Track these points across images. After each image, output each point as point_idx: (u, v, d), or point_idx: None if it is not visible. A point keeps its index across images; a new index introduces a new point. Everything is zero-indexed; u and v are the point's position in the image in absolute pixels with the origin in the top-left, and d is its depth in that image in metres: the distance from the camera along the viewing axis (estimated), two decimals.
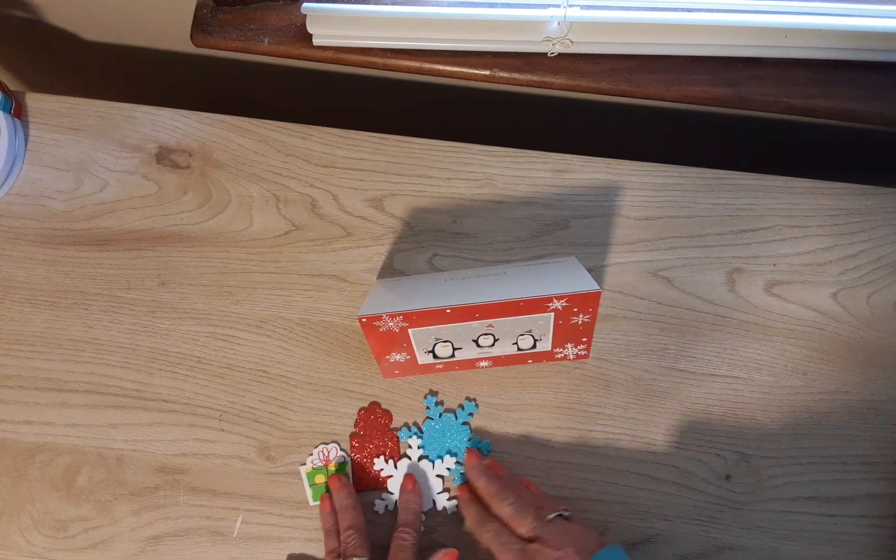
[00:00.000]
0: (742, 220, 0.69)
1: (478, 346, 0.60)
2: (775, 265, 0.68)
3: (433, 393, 0.65)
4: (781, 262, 0.68)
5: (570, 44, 0.68)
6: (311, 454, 0.64)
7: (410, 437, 0.64)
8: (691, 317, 0.67)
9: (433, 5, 0.68)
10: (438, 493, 0.63)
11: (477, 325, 0.57)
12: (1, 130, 0.68)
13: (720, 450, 0.64)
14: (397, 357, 0.61)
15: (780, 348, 0.66)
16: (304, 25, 0.70)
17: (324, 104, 0.92)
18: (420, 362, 0.62)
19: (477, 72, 0.71)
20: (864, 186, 0.70)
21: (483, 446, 0.64)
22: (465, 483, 0.62)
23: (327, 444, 0.64)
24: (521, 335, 0.60)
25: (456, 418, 0.64)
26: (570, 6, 0.66)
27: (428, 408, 0.64)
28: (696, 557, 0.62)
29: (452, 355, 0.62)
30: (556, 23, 0.67)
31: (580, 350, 0.63)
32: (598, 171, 0.70)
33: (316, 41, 0.71)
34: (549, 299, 0.54)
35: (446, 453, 0.63)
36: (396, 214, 0.69)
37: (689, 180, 0.70)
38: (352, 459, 0.63)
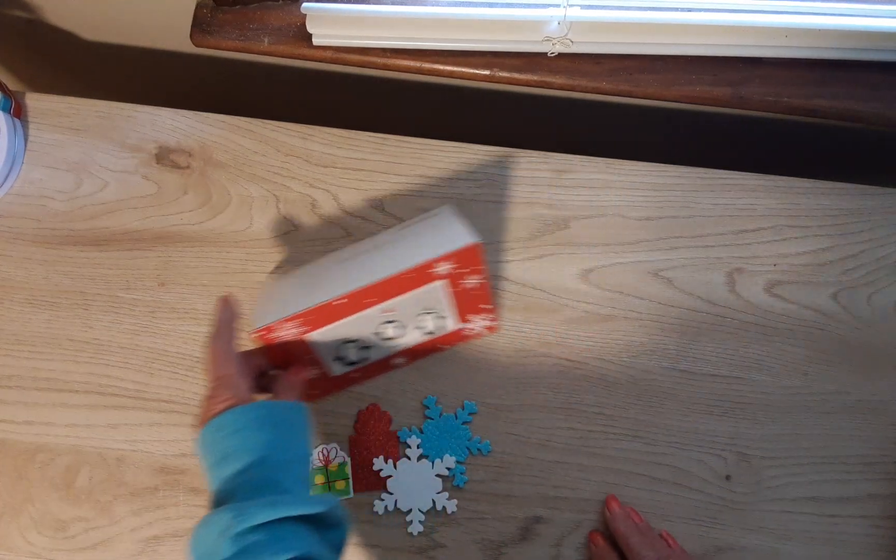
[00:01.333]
0: (742, 220, 0.69)
1: (384, 339, 0.59)
2: (775, 265, 0.68)
3: (433, 393, 0.65)
4: (782, 262, 0.68)
5: (570, 44, 0.68)
6: (312, 454, 0.64)
7: (410, 437, 0.64)
8: (691, 317, 0.67)
9: (433, 5, 0.68)
10: (438, 493, 0.63)
11: (374, 313, 0.55)
12: (1, 130, 0.68)
13: (720, 450, 0.64)
14: (308, 376, 0.60)
15: (780, 348, 0.66)
16: (304, 25, 0.70)
17: (324, 104, 0.92)
18: (334, 373, 0.61)
19: (477, 72, 0.71)
20: (864, 186, 0.70)
21: (483, 446, 0.64)
22: (599, 531, 0.61)
23: (327, 444, 0.64)
24: (420, 315, 0.58)
25: (456, 418, 0.64)
26: (570, 6, 0.66)
27: (428, 408, 0.64)
28: (695, 558, 0.61)
29: (365, 358, 0.60)
30: (556, 23, 0.67)
31: (488, 321, 0.62)
32: (598, 171, 0.70)
33: (316, 41, 0.71)
34: (430, 265, 0.52)
35: (446, 453, 0.63)
36: (396, 214, 0.69)
37: (689, 180, 0.70)
38: (351, 460, 0.63)
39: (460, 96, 0.86)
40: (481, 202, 0.69)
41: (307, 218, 0.69)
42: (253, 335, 0.53)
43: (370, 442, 0.64)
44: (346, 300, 0.53)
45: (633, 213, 0.69)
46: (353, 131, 0.71)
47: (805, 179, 0.70)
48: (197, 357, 0.66)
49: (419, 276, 0.52)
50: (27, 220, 0.69)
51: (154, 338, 0.67)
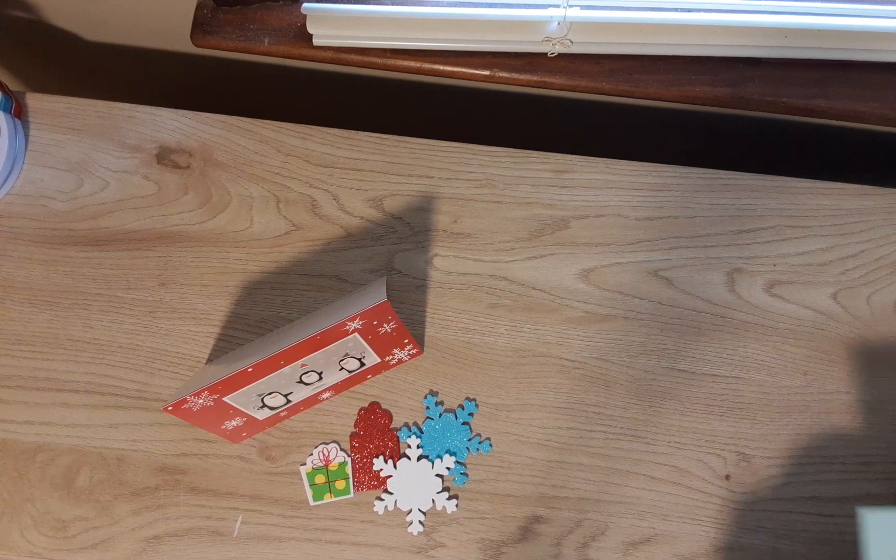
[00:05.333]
0: (742, 220, 0.69)
1: (306, 385, 0.60)
2: (775, 265, 0.68)
3: (433, 393, 0.65)
4: (781, 262, 0.68)
5: (569, 44, 0.68)
6: (311, 454, 0.64)
7: (410, 436, 0.64)
8: (691, 317, 0.67)
9: (433, 5, 0.68)
10: (438, 493, 0.63)
11: (290, 370, 0.56)
12: (1, 130, 0.68)
13: (720, 450, 0.64)
14: (234, 423, 0.61)
15: (780, 348, 0.66)
16: (304, 25, 0.70)
17: (324, 104, 0.92)
18: (260, 419, 0.62)
19: (477, 72, 0.71)
20: (864, 186, 0.70)
21: (483, 446, 0.64)
22: None
23: (327, 444, 0.64)
24: (343, 360, 0.59)
25: (456, 418, 0.64)
26: (570, 6, 0.66)
27: (428, 408, 0.64)
28: (696, 557, 0.62)
29: (287, 402, 0.61)
30: (556, 23, 0.67)
31: (410, 350, 0.63)
32: (598, 171, 0.70)
33: (316, 41, 0.71)
34: (343, 324, 0.54)
35: (446, 453, 0.63)
36: (396, 214, 0.69)
37: (689, 180, 0.70)
38: (352, 459, 0.64)
39: (460, 96, 0.86)
40: (481, 202, 0.70)
41: (307, 218, 0.69)
42: (165, 410, 0.54)
43: (370, 441, 0.64)
44: (254, 369, 0.54)
45: (633, 213, 0.69)
46: (353, 131, 0.71)
47: (805, 179, 0.70)
48: (197, 357, 0.66)
49: (332, 334, 0.54)
50: (28, 220, 0.70)
51: (154, 338, 0.67)
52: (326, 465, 0.63)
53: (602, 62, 0.70)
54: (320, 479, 0.63)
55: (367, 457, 0.63)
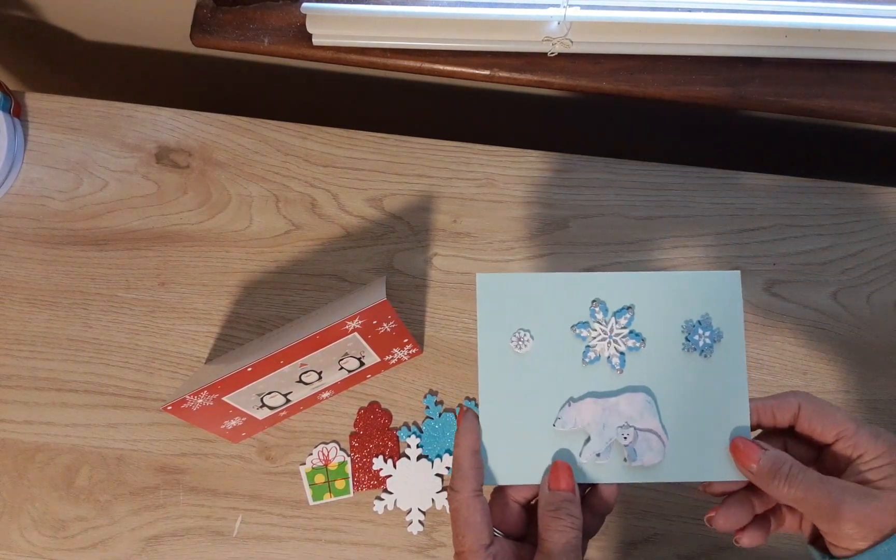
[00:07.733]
0: (742, 219, 0.69)
1: (306, 384, 0.60)
2: (775, 265, 0.68)
3: (433, 392, 0.65)
4: (781, 261, 0.68)
5: (570, 44, 0.68)
6: (311, 454, 0.64)
7: (410, 436, 0.64)
8: None
9: (433, 5, 0.68)
10: (438, 493, 0.63)
11: (289, 370, 0.56)
12: (0, 130, 0.68)
13: None
14: (233, 423, 0.60)
15: (780, 348, 0.66)
16: (304, 25, 0.70)
17: (324, 104, 0.92)
18: (259, 419, 0.62)
19: (477, 72, 0.71)
20: (864, 186, 0.70)
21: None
22: None
23: (327, 443, 0.64)
24: (342, 360, 0.59)
25: (456, 417, 0.64)
26: (570, 6, 0.66)
27: (427, 407, 0.64)
28: (696, 557, 0.61)
29: (287, 401, 0.61)
30: (556, 23, 0.67)
31: (409, 350, 0.63)
32: (598, 171, 0.70)
33: (316, 41, 0.71)
34: (343, 323, 0.54)
35: (445, 452, 0.63)
36: (396, 214, 0.69)
37: (689, 180, 0.70)
38: (351, 459, 0.63)
39: (460, 96, 0.86)
40: (481, 202, 0.69)
41: (307, 218, 0.69)
42: (165, 409, 0.54)
43: (370, 441, 0.64)
44: (254, 368, 0.54)
45: (633, 213, 0.69)
46: (353, 131, 0.71)
47: (805, 179, 0.70)
48: (197, 356, 0.66)
49: (332, 333, 0.54)
50: (27, 220, 0.69)
51: (154, 337, 0.67)
52: (326, 465, 0.63)
53: (602, 62, 0.70)
54: (320, 478, 0.63)
55: (366, 456, 0.63)
